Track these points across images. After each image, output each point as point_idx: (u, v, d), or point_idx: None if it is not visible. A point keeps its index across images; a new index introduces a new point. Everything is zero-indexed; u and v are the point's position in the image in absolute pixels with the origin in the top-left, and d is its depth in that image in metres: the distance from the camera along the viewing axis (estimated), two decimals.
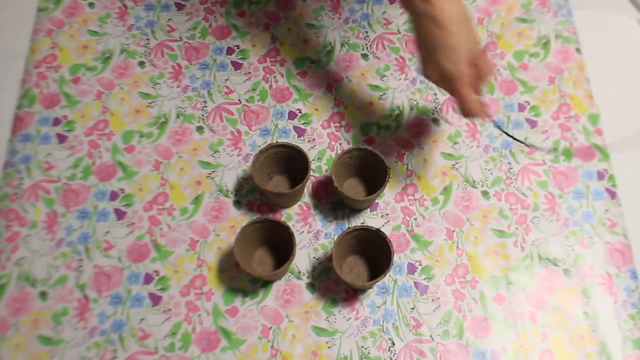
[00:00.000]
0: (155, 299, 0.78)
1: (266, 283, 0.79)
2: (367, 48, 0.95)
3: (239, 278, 0.79)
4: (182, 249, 0.81)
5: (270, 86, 0.92)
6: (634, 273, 0.80)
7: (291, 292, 0.79)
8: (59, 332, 0.76)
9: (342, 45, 0.95)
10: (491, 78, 0.76)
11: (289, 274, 0.80)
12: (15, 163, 0.86)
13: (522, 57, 0.94)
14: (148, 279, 0.79)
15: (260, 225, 0.78)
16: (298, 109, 0.90)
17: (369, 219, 0.83)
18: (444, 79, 0.72)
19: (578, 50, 0.95)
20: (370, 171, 0.82)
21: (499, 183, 0.85)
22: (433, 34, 0.70)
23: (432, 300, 0.79)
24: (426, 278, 0.80)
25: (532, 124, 0.89)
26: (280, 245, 0.78)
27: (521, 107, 0.91)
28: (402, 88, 0.92)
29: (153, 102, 0.91)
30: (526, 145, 0.81)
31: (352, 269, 0.79)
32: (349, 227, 0.77)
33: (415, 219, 0.83)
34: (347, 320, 0.77)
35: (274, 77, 0.93)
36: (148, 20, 0.97)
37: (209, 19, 0.97)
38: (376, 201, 0.84)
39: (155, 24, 0.97)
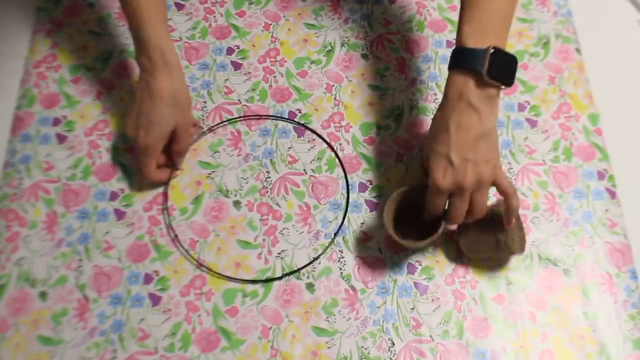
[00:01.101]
0: (155, 299, 0.78)
1: (266, 283, 0.79)
2: (367, 48, 0.95)
3: (239, 278, 0.80)
4: (182, 249, 0.81)
5: (270, 86, 0.92)
6: (634, 273, 0.80)
7: (291, 292, 0.79)
8: (59, 332, 0.76)
9: (342, 45, 0.95)
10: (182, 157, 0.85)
11: (290, 276, 0.80)
12: (15, 163, 0.86)
13: (522, 57, 0.94)
14: (148, 279, 0.79)
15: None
16: (298, 109, 0.90)
17: (368, 218, 0.83)
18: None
19: (578, 50, 0.95)
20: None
21: None
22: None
23: (432, 300, 0.79)
24: (426, 278, 0.80)
25: (532, 123, 0.89)
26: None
27: (521, 107, 0.91)
28: (402, 88, 0.92)
29: None
30: None
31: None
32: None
33: None
34: (347, 320, 0.77)
35: (274, 77, 0.93)
36: None
37: (208, 19, 0.97)
38: (376, 201, 0.84)
39: None
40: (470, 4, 0.70)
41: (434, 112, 0.89)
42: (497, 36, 0.69)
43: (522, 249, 0.76)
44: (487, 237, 0.75)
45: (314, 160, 0.87)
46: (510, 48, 0.94)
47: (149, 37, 0.78)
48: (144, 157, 0.80)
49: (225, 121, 0.89)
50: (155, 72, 0.78)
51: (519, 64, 0.93)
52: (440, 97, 0.91)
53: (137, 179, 0.85)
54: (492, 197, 0.81)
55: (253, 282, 0.79)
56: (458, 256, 0.80)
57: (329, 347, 0.76)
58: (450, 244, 0.81)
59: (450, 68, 0.70)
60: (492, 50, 0.67)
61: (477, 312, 0.78)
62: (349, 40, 0.95)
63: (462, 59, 0.68)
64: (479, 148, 0.68)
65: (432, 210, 0.73)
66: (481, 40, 0.68)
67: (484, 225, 0.74)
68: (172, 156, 0.84)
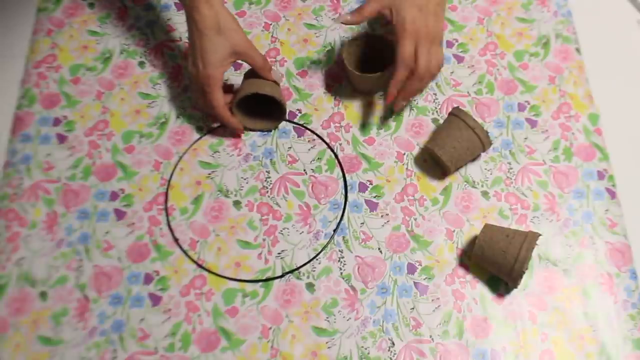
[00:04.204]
0: (155, 299, 0.78)
1: (266, 283, 0.79)
2: None
3: (239, 278, 0.80)
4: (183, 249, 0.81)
5: None
6: (634, 273, 0.80)
7: (291, 292, 0.79)
8: (59, 332, 0.77)
9: (342, 45, 0.95)
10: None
11: (290, 275, 0.80)
12: (15, 163, 0.86)
13: (522, 57, 0.94)
14: (148, 279, 0.79)
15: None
16: (298, 109, 0.90)
17: (368, 218, 0.83)
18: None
19: (578, 50, 0.95)
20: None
21: (499, 183, 0.85)
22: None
23: (432, 300, 0.79)
24: (426, 278, 0.80)
25: (532, 123, 0.89)
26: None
27: (521, 107, 0.91)
28: None
29: (153, 102, 0.91)
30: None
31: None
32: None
33: (415, 219, 0.83)
34: (347, 320, 0.77)
35: None
36: (148, 20, 0.97)
37: None
38: (376, 201, 0.84)
39: (155, 24, 0.97)
40: None
41: (434, 111, 0.89)
42: None
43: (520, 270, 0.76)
44: (455, 132, 0.81)
45: (314, 160, 0.87)
46: (510, 48, 0.95)
47: None
48: (208, 89, 0.81)
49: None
50: (194, 4, 0.78)
51: (519, 63, 0.93)
52: (440, 96, 0.91)
53: (137, 179, 0.85)
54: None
55: (253, 282, 0.79)
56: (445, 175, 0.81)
57: (329, 347, 0.76)
58: (450, 243, 0.82)
59: None
60: None
61: (477, 312, 0.78)
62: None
63: None
64: (438, 7, 0.78)
65: (405, 56, 0.77)
66: None
67: (450, 130, 0.82)
68: (261, 78, 0.84)
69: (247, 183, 0.85)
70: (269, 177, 0.86)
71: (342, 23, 0.79)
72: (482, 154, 0.87)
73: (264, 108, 0.88)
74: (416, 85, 0.79)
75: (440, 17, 0.78)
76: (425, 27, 0.77)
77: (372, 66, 0.90)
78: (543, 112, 0.90)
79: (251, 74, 0.85)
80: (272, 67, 0.84)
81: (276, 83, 0.85)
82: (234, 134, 0.87)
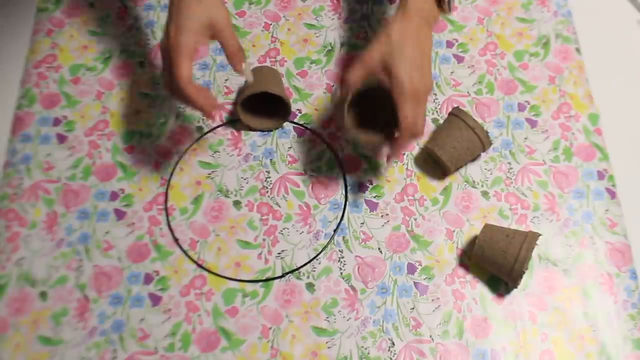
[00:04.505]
0: (155, 299, 0.78)
1: (266, 283, 0.79)
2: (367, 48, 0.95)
3: (239, 278, 0.80)
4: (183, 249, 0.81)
5: None
6: (634, 273, 0.80)
7: (291, 292, 0.79)
8: (59, 332, 0.77)
9: (342, 45, 0.95)
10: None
11: (290, 275, 0.80)
12: (15, 163, 0.86)
13: (522, 57, 0.94)
14: (148, 279, 0.79)
15: None
16: (298, 109, 0.90)
17: (368, 218, 0.83)
18: None
19: (578, 50, 0.95)
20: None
21: (499, 183, 0.85)
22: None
23: (432, 300, 0.79)
24: (426, 278, 0.80)
25: (532, 123, 0.89)
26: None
27: (521, 107, 0.91)
28: None
29: (153, 102, 0.91)
30: None
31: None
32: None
33: (415, 219, 0.83)
34: (347, 320, 0.77)
35: None
36: (148, 20, 0.97)
37: None
38: (376, 201, 0.84)
39: (155, 24, 0.97)
40: None
41: (434, 111, 0.89)
42: None
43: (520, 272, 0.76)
44: (455, 132, 0.81)
45: (314, 160, 0.87)
46: (510, 48, 0.95)
47: None
48: (174, 58, 0.70)
49: (225, 121, 0.89)
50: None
51: (519, 63, 0.93)
52: (440, 96, 0.91)
53: (137, 179, 0.85)
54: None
55: (253, 282, 0.79)
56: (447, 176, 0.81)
57: (329, 347, 0.76)
58: (450, 243, 0.82)
59: None
60: None
61: (477, 312, 0.78)
62: (349, 40, 0.95)
63: None
64: (429, 61, 0.74)
65: (407, 119, 0.72)
66: None
67: (450, 130, 0.82)
68: (231, 64, 0.76)
69: (247, 183, 0.85)
70: (269, 177, 0.86)
71: (337, 103, 0.75)
72: (482, 154, 0.87)
73: (268, 107, 0.88)
74: (407, 142, 0.74)
75: (430, 68, 0.75)
76: (423, 85, 0.72)
77: (369, 112, 0.82)
78: (543, 112, 0.90)
79: (254, 73, 0.85)
80: (246, 59, 0.76)
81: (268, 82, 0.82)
82: (208, 115, 0.74)
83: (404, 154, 0.86)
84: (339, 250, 0.81)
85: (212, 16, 0.71)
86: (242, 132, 0.89)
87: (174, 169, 0.86)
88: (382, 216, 0.83)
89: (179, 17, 0.71)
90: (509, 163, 0.87)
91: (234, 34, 0.74)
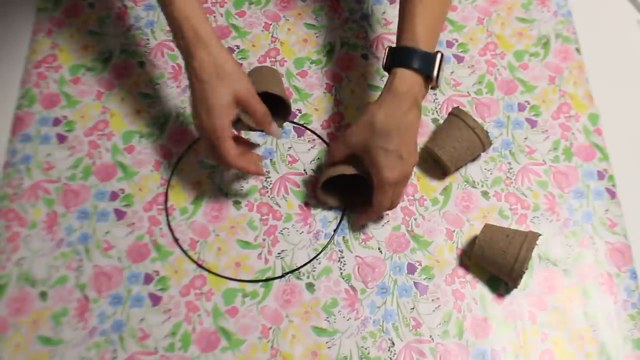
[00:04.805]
0: (155, 299, 0.78)
1: (266, 283, 0.79)
2: (367, 48, 0.95)
3: (239, 278, 0.80)
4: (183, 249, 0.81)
5: None
6: (634, 273, 0.80)
7: (291, 292, 0.79)
8: (59, 332, 0.76)
9: (342, 45, 0.95)
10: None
11: (290, 275, 0.80)
12: (15, 163, 0.86)
13: (522, 57, 0.94)
14: (148, 279, 0.79)
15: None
16: (298, 109, 0.90)
17: None
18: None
19: (578, 50, 0.95)
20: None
21: (499, 183, 0.85)
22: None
23: (432, 300, 0.79)
24: (426, 278, 0.80)
25: (532, 123, 0.89)
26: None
27: (521, 107, 0.91)
28: None
29: (153, 102, 0.91)
30: None
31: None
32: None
33: (415, 219, 0.83)
34: (347, 320, 0.77)
35: None
36: (148, 20, 0.97)
37: (209, 19, 0.97)
38: None
39: (155, 24, 0.97)
40: (422, 5, 0.73)
41: (433, 111, 0.89)
42: (437, 40, 0.76)
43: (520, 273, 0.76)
44: (455, 132, 0.81)
45: (314, 160, 0.87)
46: (510, 48, 0.95)
47: (179, 14, 0.73)
48: (217, 142, 0.73)
49: None
50: (191, 50, 0.73)
51: (519, 63, 0.93)
52: (440, 97, 0.91)
53: (137, 179, 0.85)
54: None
55: (253, 282, 0.79)
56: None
57: (329, 347, 0.76)
58: (450, 243, 0.82)
59: (400, 65, 0.72)
60: (439, 56, 0.73)
61: (477, 312, 0.78)
62: (349, 40, 0.95)
63: (417, 61, 0.72)
64: (414, 144, 0.75)
65: (382, 203, 0.76)
66: (432, 44, 0.74)
67: (450, 130, 0.82)
68: (260, 130, 0.79)
69: (247, 183, 0.85)
70: (269, 177, 0.86)
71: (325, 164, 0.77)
72: (482, 154, 0.87)
73: (268, 107, 0.87)
74: (378, 214, 0.78)
75: (416, 148, 0.75)
76: (403, 174, 0.74)
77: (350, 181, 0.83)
78: (543, 112, 0.90)
79: (254, 73, 0.85)
80: (272, 121, 0.78)
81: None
82: (259, 174, 0.79)
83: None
84: (339, 250, 0.81)
85: (236, 90, 0.73)
86: (242, 132, 0.89)
87: (174, 169, 0.86)
88: (382, 216, 0.83)
89: (206, 99, 0.73)
90: (509, 163, 0.87)
91: (258, 100, 0.75)
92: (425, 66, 0.72)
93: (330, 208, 0.84)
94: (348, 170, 0.77)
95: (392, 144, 0.72)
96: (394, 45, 0.75)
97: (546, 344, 0.76)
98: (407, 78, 0.72)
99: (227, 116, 0.73)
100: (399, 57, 0.73)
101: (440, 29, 0.77)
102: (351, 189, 0.83)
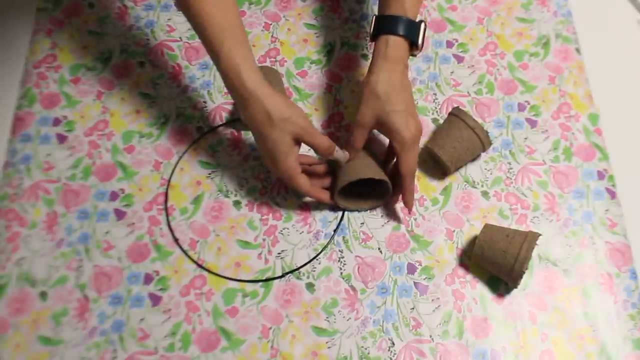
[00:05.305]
0: (155, 299, 0.78)
1: (266, 283, 0.79)
2: (367, 48, 0.95)
3: (239, 277, 0.80)
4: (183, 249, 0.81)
5: None
6: (634, 273, 0.80)
7: (291, 292, 0.79)
8: (59, 332, 0.77)
9: (342, 45, 0.95)
10: None
11: (290, 275, 0.80)
12: (15, 163, 0.86)
13: (522, 57, 0.94)
14: (148, 279, 0.79)
15: None
16: None
17: (368, 218, 0.83)
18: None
19: (578, 50, 0.95)
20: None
21: (499, 183, 0.85)
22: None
23: (432, 300, 0.79)
24: (426, 278, 0.80)
25: (532, 123, 0.89)
26: None
27: (521, 107, 0.91)
28: None
29: (153, 102, 0.91)
30: None
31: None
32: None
33: (415, 219, 0.83)
34: (347, 320, 0.77)
35: None
36: (148, 20, 0.97)
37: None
38: None
39: (155, 24, 0.97)
40: None
41: (434, 111, 0.89)
42: (419, 9, 0.83)
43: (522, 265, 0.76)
44: (455, 132, 0.81)
45: None
46: (510, 48, 0.95)
47: (224, 66, 0.73)
48: (290, 181, 0.77)
49: (225, 122, 0.89)
50: (243, 104, 0.74)
51: (519, 63, 0.93)
52: (440, 96, 0.91)
53: (137, 179, 0.85)
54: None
55: (253, 282, 0.79)
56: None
57: (329, 347, 0.76)
58: (450, 243, 0.82)
59: (388, 32, 0.76)
60: (424, 25, 0.79)
61: (477, 312, 0.78)
62: (349, 40, 0.95)
63: (404, 28, 0.77)
64: (414, 104, 0.79)
65: (411, 164, 0.77)
66: (416, 13, 0.79)
67: (450, 130, 0.82)
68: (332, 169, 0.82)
69: (247, 183, 0.85)
70: (269, 177, 0.86)
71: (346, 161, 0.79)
72: (482, 154, 0.87)
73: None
74: (413, 183, 0.78)
75: (416, 109, 0.79)
76: (417, 130, 0.76)
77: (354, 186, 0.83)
78: (543, 112, 0.90)
79: None
80: (336, 147, 0.78)
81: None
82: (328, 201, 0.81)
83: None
84: (339, 250, 0.81)
85: (292, 132, 0.74)
86: (242, 132, 0.89)
87: (174, 169, 0.86)
88: (382, 216, 0.83)
89: (267, 148, 0.75)
90: (509, 163, 0.87)
91: (318, 134, 0.76)
92: (411, 33, 0.77)
93: (331, 208, 0.84)
94: (360, 174, 0.77)
95: (400, 104, 0.76)
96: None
97: (546, 344, 0.76)
98: (396, 43, 0.76)
99: (293, 156, 0.76)
100: (387, 24, 0.77)
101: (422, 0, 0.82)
102: (361, 192, 0.83)
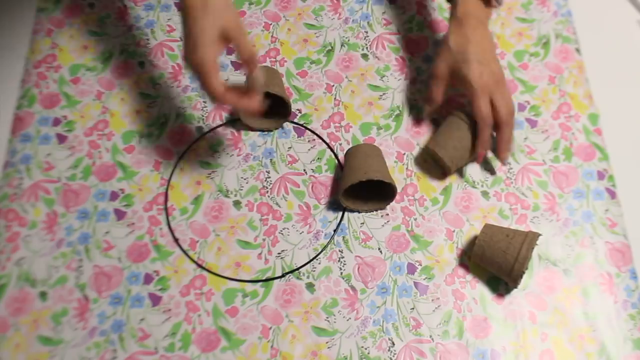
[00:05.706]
0: (155, 299, 0.78)
1: (266, 283, 0.79)
2: (367, 48, 0.95)
3: (239, 277, 0.80)
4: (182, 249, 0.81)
5: None
6: (634, 273, 0.80)
7: (291, 292, 0.79)
8: (59, 332, 0.77)
9: (342, 45, 0.95)
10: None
11: (290, 275, 0.80)
12: (15, 163, 0.86)
13: (522, 57, 0.94)
14: (148, 279, 0.79)
15: None
16: (298, 109, 0.90)
17: (368, 218, 0.83)
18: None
19: (578, 50, 0.95)
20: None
21: (499, 183, 0.85)
22: None
23: (432, 300, 0.79)
24: (426, 278, 0.80)
25: (532, 123, 0.89)
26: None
27: (521, 107, 0.91)
28: (402, 88, 0.92)
29: (153, 102, 0.91)
30: None
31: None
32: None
33: (415, 219, 0.83)
34: (347, 320, 0.77)
35: None
36: (148, 20, 0.97)
37: None
38: None
39: (155, 24, 0.97)
40: None
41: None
42: None
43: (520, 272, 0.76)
44: (456, 132, 0.82)
45: (314, 160, 0.87)
46: (510, 48, 0.95)
47: None
48: (203, 76, 0.71)
49: (225, 122, 0.89)
50: None
51: (519, 63, 0.93)
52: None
53: (137, 179, 0.85)
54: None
55: (253, 282, 0.79)
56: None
57: (329, 347, 0.76)
58: (450, 243, 0.82)
59: None
60: None
61: (477, 312, 0.78)
62: (349, 40, 0.95)
63: None
64: (493, 54, 0.82)
65: (481, 108, 0.79)
66: None
67: (451, 130, 0.83)
68: (245, 72, 0.76)
69: (247, 183, 0.85)
70: (269, 177, 0.86)
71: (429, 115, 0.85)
72: None
73: (268, 107, 0.87)
74: (508, 132, 0.81)
75: (497, 58, 0.82)
76: (492, 76, 0.80)
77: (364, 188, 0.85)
78: (543, 112, 0.90)
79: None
80: (259, 65, 0.75)
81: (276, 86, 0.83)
82: (254, 109, 0.76)
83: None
84: (339, 250, 0.81)
85: (223, 25, 0.71)
86: (242, 132, 0.89)
87: (174, 169, 0.86)
88: (382, 216, 0.83)
89: (192, 32, 0.71)
90: (509, 163, 0.87)
91: (246, 39, 0.73)
92: None
93: (331, 208, 0.84)
94: (365, 176, 0.77)
95: (469, 55, 0.80)
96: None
97: (546, 344, 0.76)
98: (467, 2, 0.82)
99: (211, 51, 0.71)
100: None
101: None
102: (364, 193, 0.84)
